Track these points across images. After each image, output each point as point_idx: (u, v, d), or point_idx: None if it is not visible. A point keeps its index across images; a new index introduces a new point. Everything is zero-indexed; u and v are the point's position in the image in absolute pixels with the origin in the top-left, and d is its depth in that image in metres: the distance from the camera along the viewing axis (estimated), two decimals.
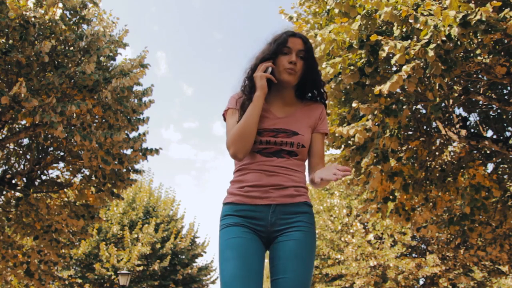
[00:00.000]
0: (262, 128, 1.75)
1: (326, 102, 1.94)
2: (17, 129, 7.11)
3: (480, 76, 5.66)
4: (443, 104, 5.97)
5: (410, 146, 6.21)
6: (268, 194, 1.71)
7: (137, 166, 7.62)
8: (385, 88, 4.25)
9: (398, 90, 5.32)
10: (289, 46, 1.77)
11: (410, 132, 6.25)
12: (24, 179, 7.37)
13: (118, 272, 13.29)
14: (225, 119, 1.87)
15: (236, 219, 1.72)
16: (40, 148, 7.43)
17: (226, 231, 1.71)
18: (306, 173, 1.85)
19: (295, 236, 1.69)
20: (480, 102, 6.40)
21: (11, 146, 7.47)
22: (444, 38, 3.98)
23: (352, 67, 4.73)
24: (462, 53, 4.62)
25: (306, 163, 1.85)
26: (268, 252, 1.76)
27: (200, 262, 17.88)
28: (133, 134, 7.00)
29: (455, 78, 5.33)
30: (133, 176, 7.56)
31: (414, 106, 6.02)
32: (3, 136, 7.10)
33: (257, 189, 1.72)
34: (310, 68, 1.82)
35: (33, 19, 5.76)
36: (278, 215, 1.71)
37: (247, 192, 1.73)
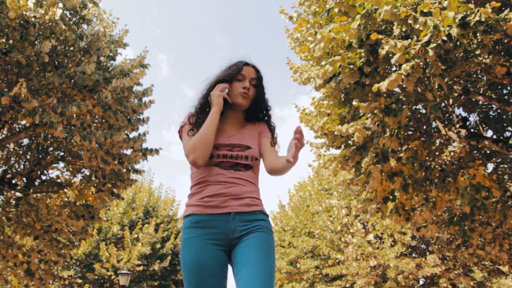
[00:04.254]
0: (218, 143, 1.90)
1: (272, 124, 2.09)
2: (17, 129, 7.11)
3: (480, 76, 5.66)
4: (443, 104, 5.97)
5: (410, 146, 6.21)
6: (228, 203, 1.81)
7: (137, 166, 7.62)
8: (383, 85, 4.25)
9: (398, 89, 5.32)
10: (243, 74, 1.98)
11: (410, 132, 6.25)
12: (24, 179, 7.36)
13: (118, 272, 13.29)
14: (180, 136, 2.00)
15: (197, 231, 1.80)
16: (40, 148, 7.43)
17: (187, 248, 1.79)
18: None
19: (255, 235, 1.78)
20: (480, 102, 6.40)
21: (11, 146, 7.47)
22: (444, 38, 3.98)
23: (351, 66, 4.73)
24: (462, 53, 4.62)
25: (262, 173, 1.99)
26: (230, 259, 1.82)
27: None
28: (133, 134, 7.00)
29: (455, 78, 5.33)
30: (133, 176, 7.56)
31: (414, 106, 6.02)
32: (3, 136, 7.10)
33: (216, 199, 1.81)
34: (260, 94, 2.02)
35: (33, 19, 5.76)
36: (237, 222, 1.80)
37: (206, 202, 1.82)
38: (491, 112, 6.59)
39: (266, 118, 2.09)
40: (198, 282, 1.73)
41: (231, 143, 1.91)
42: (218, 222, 1.79)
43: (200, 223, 1.80)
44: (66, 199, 7.62)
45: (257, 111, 2.07)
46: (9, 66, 6.05)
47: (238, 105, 1.98)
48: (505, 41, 4.78)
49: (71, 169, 7.67)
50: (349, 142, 6.14)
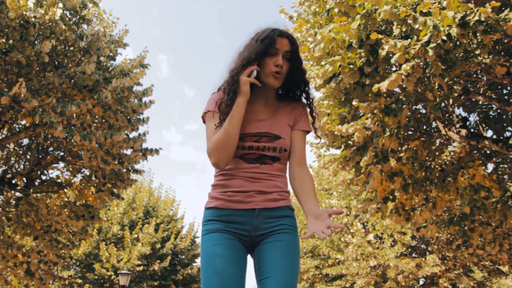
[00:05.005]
0: (244, 133, 1.70)
1: (312, 100, 1.87)
2: (17, 129, 7.11)
3: (480, 76, 5.66)
4: (443, 104, 5.97)
5: (410, 146, 6.21)
6: (252, 198, 1.69)
7: (137, 166, 7.62)
8: (383, 85, 4.24)
9: (398, 89, 5.32)
10: (276, 47, 1.70)
11: (410, 132, 6.25)
12: (24, 179, 7.37)
13: (118, 272, 13.29)
14: (204, 121, 1.81)
15: (219, 224, 1.70)
16: (40, 148, 7.43)
17: (208, 238, 1.70)
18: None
19: (281, 237, 1.68)
20: (480, 102, 6.40)
21: (11, 146, 7.47)
22: (444, 38, 3.98)
23: (351, 66, 4.73)
24: (462, 53, 4.62)
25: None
26: (252, 255, 1.75)
27: (200, 262, 17.86)
28: (133, 134, 7.01)
29: (455, 78, 5.33)
30: (133, 176, 7.56)
31: (414, 106, 6.02)
32: (3, 136, 7.10)
33: (240, 194, 1.70)
34: (296, 69, 1.76)
35: (33, 19, 5.76)
36: (261, 219, 1.69)
37: (230, 196, 1.70)
38: (491, 112, 6.59)
39: (305, 98, 1.84)
40: (217, 271, 1.62)
41: (259, 132, 1.72)
42: (241, 217, 1.69)
43: (223, 217, 1.70)
44: (66, 199, 7.62)
45: (293, 87, 1.82)
46: (9, 66, 6.05)
47: (269, 85, 1.73)
48: (505, 41, 4.78)
49: (71, 169, 7.67)
50: (349, 142, 6.14)
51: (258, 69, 1.70)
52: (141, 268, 14.88)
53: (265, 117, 1.77)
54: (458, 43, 4.09)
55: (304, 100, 1.86)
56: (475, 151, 6.55)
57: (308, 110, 1.85)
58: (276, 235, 1.68)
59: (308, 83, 1.85)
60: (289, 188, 1.81)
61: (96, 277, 14.90)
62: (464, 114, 6.55)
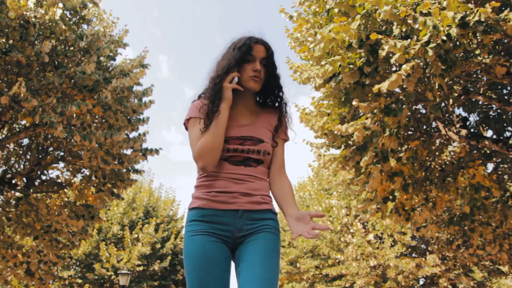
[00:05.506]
0: (228, 136, 1.77)
1: (286, 104, 1.94)
2: (17, 129, 7.11)
3: (480, 76, 5.66)
4: (443, 104, 5.97)
5: (410, 146, 6.21)
6: (236, 200, 1.73)
7: (137, 166, 7.62)
8: (384, 86, 4.25)
9: (398, 89, 5.32)
10: (253, 54, 1.80)
11: (410, 132, 6.25)
12: (24, 179, 7.37)
13: (118, 272, 13.29)
14: (186, 128, 1.88)
15: (203, 225, 1.73)
16: (40, 148, 7.43)
17: (191, 240, 1.72)
18: None
19: (261, 236, 1.72)
20: (480, 102, 6.40)
21: (11, 146, 7.47)
22: (444, 38, 3.98)
23: (351, 66, 4.73)
24: (462, 53, 4.62)
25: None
26: (233, 257, 1.77)
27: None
28: (133, 134, 7.01)
29: (455, 78, 5.33)
30: (133, 176, 7.56)
31: (414, 106, 6.02)
32: (3, 136, 7.10)
33: (224, 195, 1.73)
34: (271, 74, 1.86)
35: (33, 19, 5.76)
36: (244, 221, 1.73)
37: (214, 196, 1.74)
38: (491, 112, 6.59)
39: (279, 103, 1.93)
40: (202, 272, 1.66)
41: (243, 136, 1.79)
42: (225, 218, 1.72)
43: (206, 217, 1.73)
44: (66, 199, 7.62)
45: (269, 92, 1.92)
46: (9, 66, 6.05)
47: (249, 89, 1.83)
48: (505, 41, 4.78)
49: (71, 169, 7.67)
50: (349, 142, 6.14)
51: (239, 75, 1.81)
52: (141, 268, 14.88)
53: (248, 122, 1.85)
54: (458, 43, 4.09)
55: (278, 105, 1.95)
56: (475, 151, 6.55)
57: (282, 120, 1.93)
58: (256, 234, 1.72)
59: (281, 87, 1.94)
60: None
61: (96, 277, 14.90)
62: (464, 114, 6.55)
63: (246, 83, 1.82)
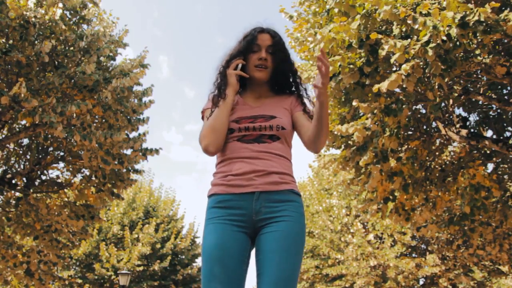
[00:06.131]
0: (239, 117, 1.76)
1: (304, 87, 1.92)
2: (17, 129, 7.11)
3: (480, 76, 5.66)
4: (443, 104, 5.97)
5: (409, 146, 6.21)
6: (251, 181, 1.67)
7: (137, 166, 7.62)
8: (383, 86, 4.24)
9: (398, 89, 5.32)
10: (258, 44, 1.80)
11: (410, 132, 6.25)
12: (24, 179, 7.37)
13: (118, 272, 13.29)
14: (202, 118, 1.91)
15: (220, 212, 1.68)
16: (40, 148, 7.43)
17: (208, 229, 1.68)
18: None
19: (279, 227, 1.63)
20: (480, 102, 6.40)
21: (11, 146, 7.47)
22: (444, 38, 3.98)
23: (351, 66, 4.73)
24: (462, 53, 4.62)
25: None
26: (253, 244, 1.72)
27: (200, 262, 17.83)
28: (133, 134, 7.01)
29: (455, 78, 5.33)
30: (133, 176, 7.56)
31: (414, 106, 6.02)
32: (3, 136, 7.10)
33: (240, 177, 1.68)
34: (281, 61, 1.84)
35: (33, 19, 5.76)
36: (262, 203, 1.66)
37: (230, 181, 1.70)
38: (491, 112, 6.59)
39: (294, 87, 1.91)
40: (217, 264, 1.60)
41: (253, 115, 1.76)
42: (241, 202, 1.66)
43: (223, 203, 1.68)
44: (66, 199, 7.62)
45: (281, 79, 1.88)
46: (9, 66, 6.05)
47: (256, 79, 1.82)
48: (505, 41, 4.78)
49: (71, 169, 7.67)
50: (349, 142, 6.14)
51: (243, 62, 1.82)
52: (141, 268, 14.88)
53: (259, 104, 1.84)
54: (458, 43, 4.09)
55: (295, 89, 1.93)
56: (475, 151, 6.55)
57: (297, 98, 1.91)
58: (275, 224, 1.64)
59: (296, 72, 1.92)
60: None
61: (96, 277, 14.90)
62: (464, 114, 6.55)
63: (252, 73, 1.82)
